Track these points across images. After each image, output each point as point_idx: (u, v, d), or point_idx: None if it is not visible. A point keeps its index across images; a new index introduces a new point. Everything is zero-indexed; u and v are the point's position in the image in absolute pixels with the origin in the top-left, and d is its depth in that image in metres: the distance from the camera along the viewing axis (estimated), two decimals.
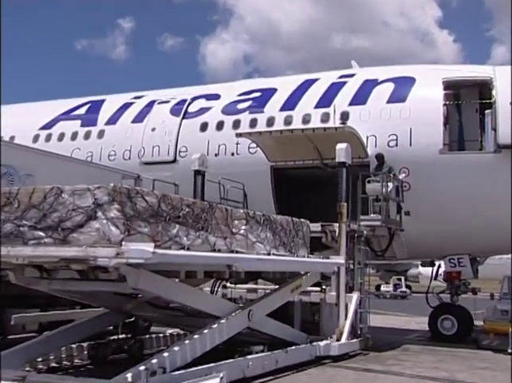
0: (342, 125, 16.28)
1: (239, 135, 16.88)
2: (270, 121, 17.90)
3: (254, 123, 18.08)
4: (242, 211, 10.08)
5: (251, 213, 10.14)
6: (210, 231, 8.79)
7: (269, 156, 17.12)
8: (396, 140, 16.22)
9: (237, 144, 17.72)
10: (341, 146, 13.95)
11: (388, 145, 16.25)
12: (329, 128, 15.78)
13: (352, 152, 14.47)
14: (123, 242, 7.08)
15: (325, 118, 17.22)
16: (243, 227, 9.73)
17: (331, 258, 12.78)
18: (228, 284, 14.49)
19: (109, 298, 10.84)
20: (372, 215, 14.72)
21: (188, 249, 8.14)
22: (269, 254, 10.29)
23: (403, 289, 47.40)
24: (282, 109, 17.99)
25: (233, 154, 17.89)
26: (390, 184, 15.18)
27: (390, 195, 15.16)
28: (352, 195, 14.01)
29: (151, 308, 11.39)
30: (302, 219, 12.13)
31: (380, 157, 15.99)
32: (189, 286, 9.87)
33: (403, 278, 48.17)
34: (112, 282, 8.24)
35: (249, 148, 17.58)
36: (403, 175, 15.94)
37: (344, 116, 17.01)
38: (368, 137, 16.38)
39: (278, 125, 17.54)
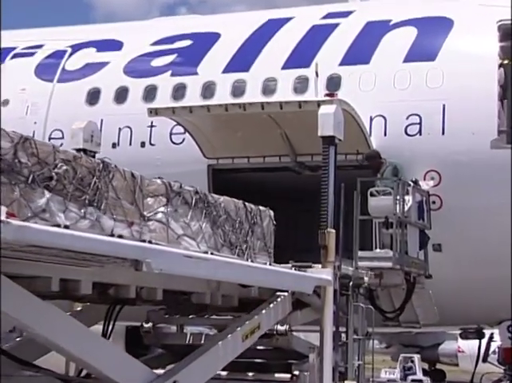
0: (329, 98, 16.29)
1: (154, 112, 16.74)
2: (208, 90, 18.13)
3: (180, 92, 18.29)
4: (159, 181, 10.04)
5: (175, 186, 10.14)
6: (104, 210, 8.84)
7: (205, 150, 17.29)
8: (420, 123, 16.50)
9: (151, 126, 17.91)
10: (327, 109, 13.89)
11: (406, 133, 16.57)
12: (308, 103, 15.71)
13: (346, 145, 14.47)
14: None
15: (301, 86, 17.50)
16: (162, 209, 9.85)
17: (309, 271, 12.70)
18: None
19: None
20: (378, 251, 14.88)
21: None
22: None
23: (419, 376, 47.37)
24: (229, 69, 18.21)
25: (143, 144, 18.10)
26: (408, 198, 15.27)
27: (408, 216, 15.24)
28: (345, 215, 13.99)
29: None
30: (262, 207, 12.11)
31: (372, 157, 16.08)
32: (72, 318, 9.80)
33: (417, 358, 48.35)
34: None
35: (171, 134, 17.82)
36: (431, 183, 16.15)
37: (333, 84, 17.23)
38: (372, 119, 16.71)
39: (222, 97, 17.69)
